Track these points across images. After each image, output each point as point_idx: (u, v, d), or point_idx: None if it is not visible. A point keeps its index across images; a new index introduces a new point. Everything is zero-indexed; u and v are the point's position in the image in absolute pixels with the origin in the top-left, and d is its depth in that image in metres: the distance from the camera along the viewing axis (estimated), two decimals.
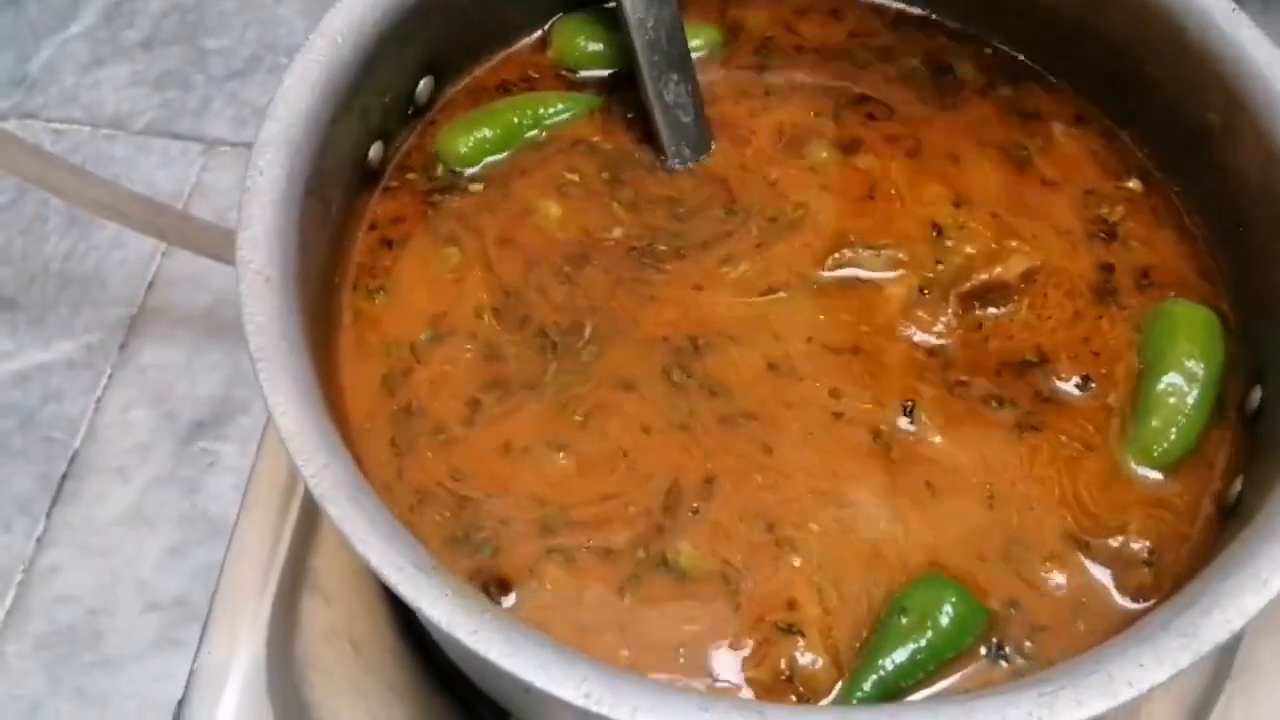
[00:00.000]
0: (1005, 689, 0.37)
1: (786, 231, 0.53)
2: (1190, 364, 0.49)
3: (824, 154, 0.56)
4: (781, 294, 0.51)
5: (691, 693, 0.37)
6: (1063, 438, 0.48)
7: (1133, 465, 0.48)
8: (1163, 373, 0.49)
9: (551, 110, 0.57)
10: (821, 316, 0.51)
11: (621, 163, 0.55)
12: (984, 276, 0.52)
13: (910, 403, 0.49)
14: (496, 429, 0.48)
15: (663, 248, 0.53)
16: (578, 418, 0.48)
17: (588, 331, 0.51)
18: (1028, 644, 0.44)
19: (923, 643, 0.43)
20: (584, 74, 0.59)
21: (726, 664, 0.44)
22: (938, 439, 0.48)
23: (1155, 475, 0.48)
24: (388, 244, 0.53)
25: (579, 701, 0.36)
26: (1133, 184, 0.55)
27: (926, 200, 0.54)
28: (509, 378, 0.49)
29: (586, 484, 0.47)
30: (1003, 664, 0.44)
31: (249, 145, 0.47)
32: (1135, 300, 0.52)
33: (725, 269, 0.52)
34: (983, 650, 0.44)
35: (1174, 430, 0.48)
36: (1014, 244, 0.53)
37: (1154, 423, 0.48)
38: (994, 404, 0.49)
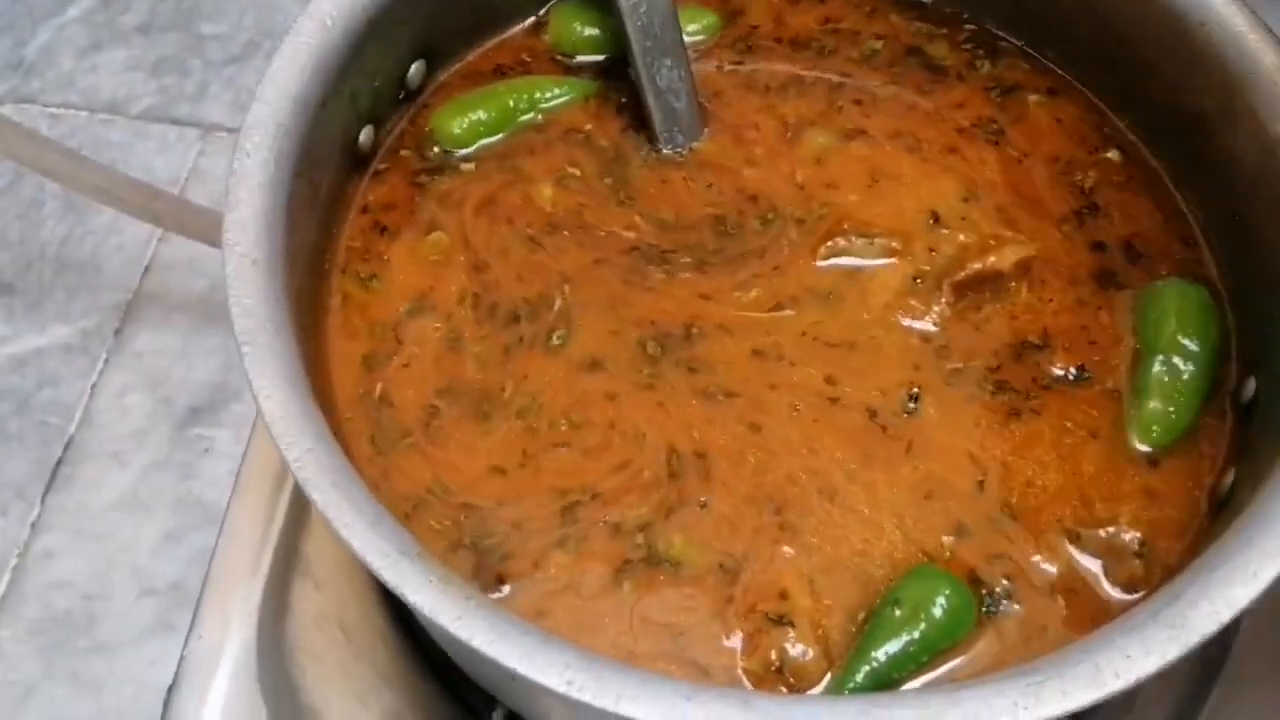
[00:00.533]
0: (991, 679, 0.37)
1: (807, 236, 0.53)
2: (1185, 342, 0.49)
3: (820, 140, 0.55)
4: (789, 311, 0.51)
5: (676, 680, 0.37)
6: (1067, 424, 0.48)
7: (1132, 446, 0.48)
8: (1158, 352, 0.49)
9: (547, 94, 0.56)
10: (817, 316, 0.51)
11: (621, 159, 0.55)
12: (978, 266, 0.51)
13: (905, 391, 0.49)
14: (477, 450, 0.47)
15: (687, 259, 0.52)
16: (563, 426, 0.48)
17: (557, 304, 0.50)
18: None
19: (916, 634, 0.43)
20: (580, 59, 0.58)
21: (717, 654, 0.43)
22: (931, 427, 0.48)
23: (1153, 458, 0.47)
24: (381, 229, 0.53)
25: (561, 689, 0.36)
26: (1111, 154, 0.55)
27: (923, 188, 0.54)
28: (467, 388, 0.49)
29: (595, 463, 0.47)
30: (1002, 605, 0.44)
31: None
32: (1133, 278, 0.51)
33: (739, 294, 0.51)
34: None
35: (1172, 409, 0.48)
36: (1009, 234, 0.52)
37: (1152, 403, 0.48)
38: (990, 390, 0.49)
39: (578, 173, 0.54)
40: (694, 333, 0.50)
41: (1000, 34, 0.59)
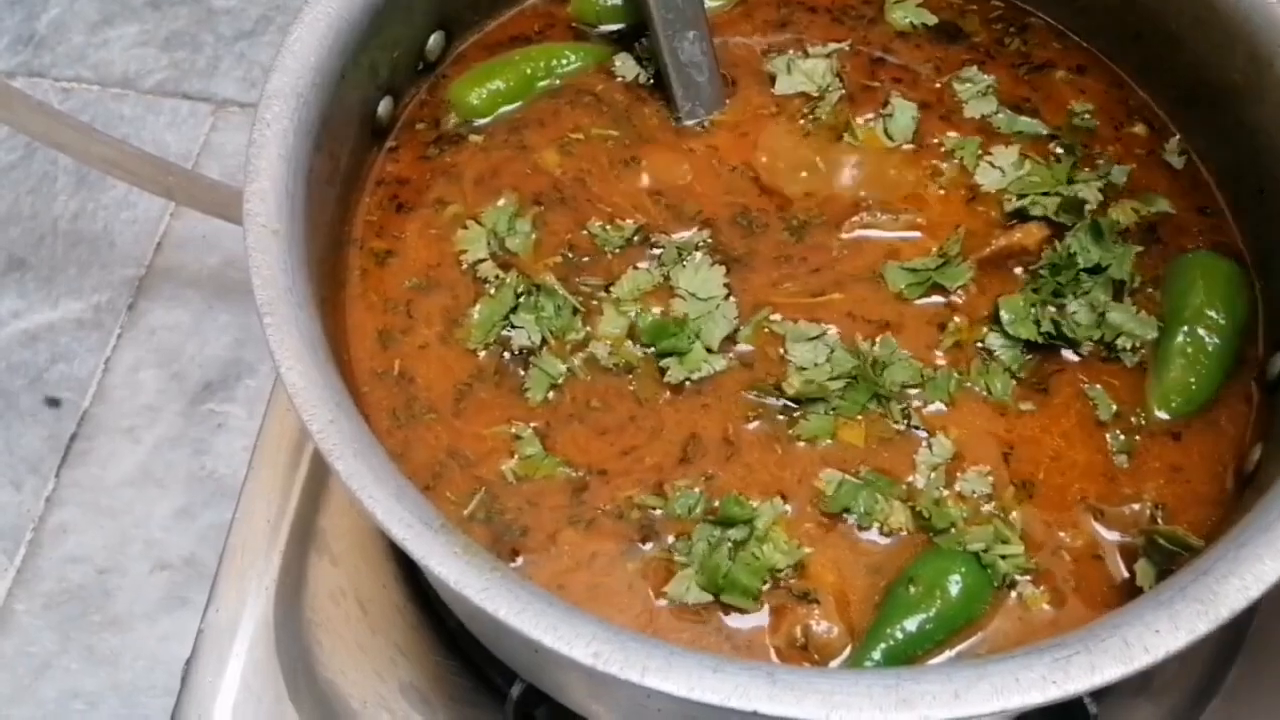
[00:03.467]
0: (1019, 653, 0.37)
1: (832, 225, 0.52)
2: (1210, 313, 0.48)
3: (854, 124, 0.55)
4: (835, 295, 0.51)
5: (701, 654, 0.36)
6: (1094, 400, 0.48)
7: (1157, 422, 0.47)
8: (1183, 323, 0.48)
9: (564, 62, 0.56)
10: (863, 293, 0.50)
11: (639, 130, 0.54)
12: (1003, 242, 0.51)
13: (931, 368, 0.48)
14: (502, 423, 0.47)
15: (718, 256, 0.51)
16: (594, 403, 0.48)
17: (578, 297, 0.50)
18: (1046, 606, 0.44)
19: (931, 612, 0.43)
20: (603, 28, 0.58)
21: (742, 631, 0.43)
22: (959, 402, 0.48)
23: (1177, 433, 0.47)
24: (398, 205, 0.52)
25: (588, 661, 0.36)
26: (1138, 129, 0.55)
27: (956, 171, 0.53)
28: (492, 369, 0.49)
29: (606, 444, 0.47)
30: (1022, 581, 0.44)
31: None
32: (1157, 252, 0.51)
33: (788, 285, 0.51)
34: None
35: (1193, 380, 0.48)
36: (1034, 210, 0.52)
37: (1174, 373, 0.48)
38: (1018, 366, 0.48)
39: (591, 138, 0.54)
40: (739, 333, 0.49)
41: (1027, 8, 0.58)
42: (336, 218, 0.50)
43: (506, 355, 0.49)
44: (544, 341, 0.49)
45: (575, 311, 0.49)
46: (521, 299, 0.49)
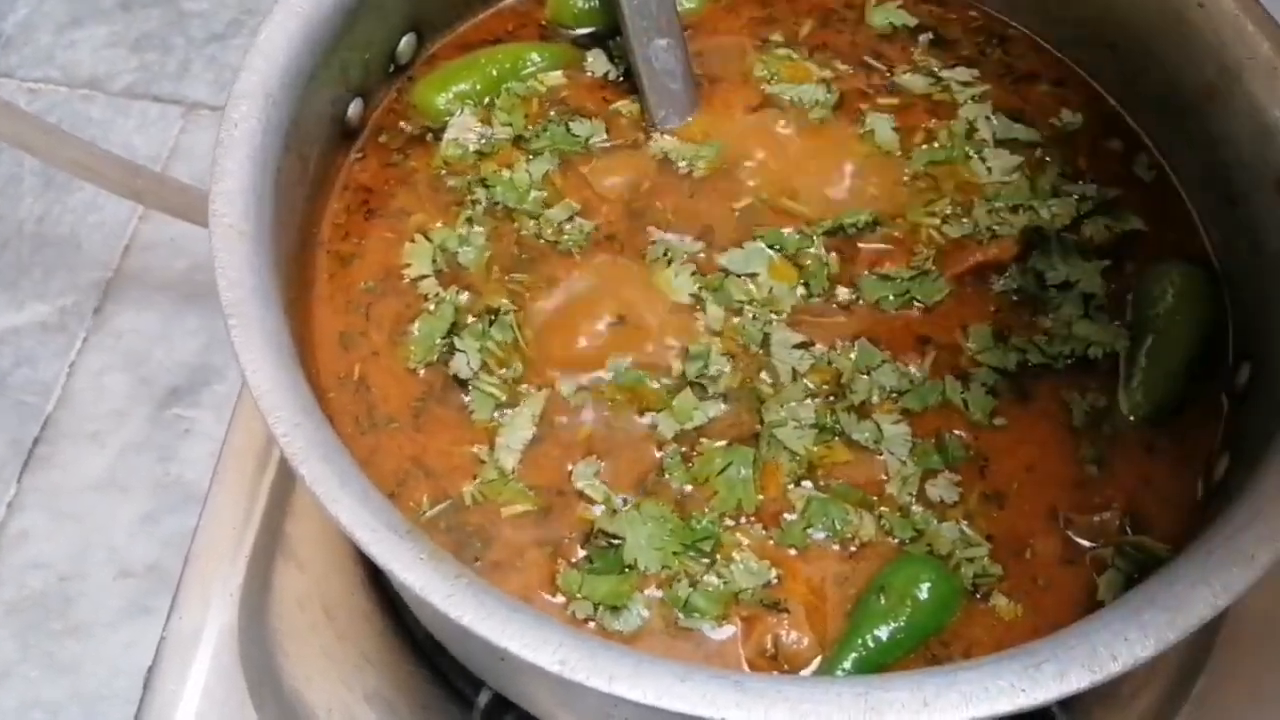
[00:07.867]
0: (989, 661, 0.37)
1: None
2: (1180, 324, 0.49)
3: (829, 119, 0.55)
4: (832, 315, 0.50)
5: (669, 662, 0.36)
6: (1069, 409, 0.48)
7: (1124, 424, 0.47)
8: (1152, 333, 0.49)
9: (529, 63, 0.55)
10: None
11: (607, 133, 0.54)
12: (979, 257, 0.51)
13: (909, 374, 0.48)
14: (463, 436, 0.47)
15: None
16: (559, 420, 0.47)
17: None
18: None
19: (901, 621, 0.43)
20: (580, 31, 0.57)
21: (713, 640, 0.43)
22: (935, 411, 0.48)
23: (1144, 440, 0.47)
24: (367, 210, 0.52)
25: (554, 668, 0.35)
26: (1114, 143, 0.55)
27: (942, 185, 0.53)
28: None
29: (568, 464, 0.46)
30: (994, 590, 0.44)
31: None
32: (1128, 263, 0.51)
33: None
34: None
35: (1161, 386, 0.48)
36: (1001, 230, 0.52)
37: (1143, 380, 0.48)
38: (991, 382, 0.48)
39: (560, 147, 0.53)
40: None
41: (1004, 19, 0.58)
42: (305, 219, 0.50)
43: (449, 375, 0.48)
44: (483, 367, 0.48)
45: (517, 345, 0.48)
46: (469, 322, 0.49)
